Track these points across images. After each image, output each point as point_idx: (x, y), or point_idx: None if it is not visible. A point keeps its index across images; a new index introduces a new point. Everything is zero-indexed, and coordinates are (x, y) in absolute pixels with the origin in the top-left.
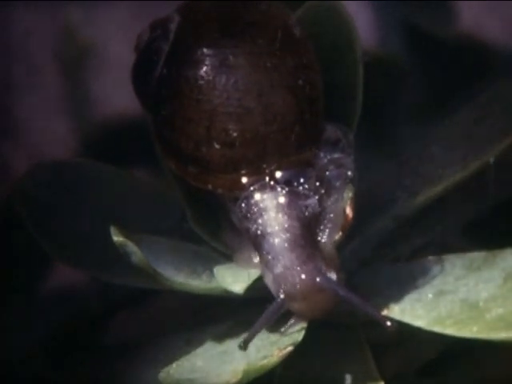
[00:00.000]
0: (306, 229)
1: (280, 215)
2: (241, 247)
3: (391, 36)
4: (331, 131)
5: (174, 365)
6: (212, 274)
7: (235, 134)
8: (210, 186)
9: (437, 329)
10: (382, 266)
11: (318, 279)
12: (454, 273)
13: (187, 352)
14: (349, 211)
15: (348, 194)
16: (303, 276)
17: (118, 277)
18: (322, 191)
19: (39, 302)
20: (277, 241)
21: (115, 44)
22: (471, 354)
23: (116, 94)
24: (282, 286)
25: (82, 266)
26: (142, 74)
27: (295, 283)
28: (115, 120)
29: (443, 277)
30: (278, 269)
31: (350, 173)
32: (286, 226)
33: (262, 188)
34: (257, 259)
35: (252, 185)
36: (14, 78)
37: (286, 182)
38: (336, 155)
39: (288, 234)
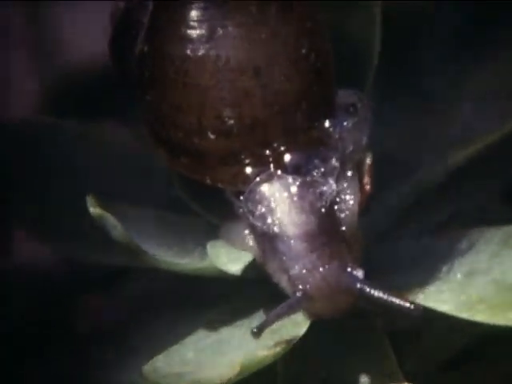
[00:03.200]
0: (325, 220)
1: (293, 210)
2: (240, 233)
3: None
4: (344, 96)
5: (161, 356)
6: (205, 252)
7: (231, 122)
8: (208, 180)
9: (466, 315)
10: (403, 241)
11: (343, 279)
12: (488, 249)
13: (175, 342)
14: (367, 181)
15: (366, 163)
16: (327, 277)
17: (93, 254)
18: (338, 171)
19: None
20: (293, 242)
21: None
22: (504, 344)
23: (87, 41)
24: (300, 287)
25: (49, 240)
26: (119, 50)
27: (317, 285)
28: (86, 69)
29: (475, 254)
30: (296, 270)
31: (365, 138)
32: (301, 222)
33: (269, 179)
34: (255, 245)
35: (257, 176)
36: None
37: (296, 169)
38: (351, 124)
39: (305, 233)
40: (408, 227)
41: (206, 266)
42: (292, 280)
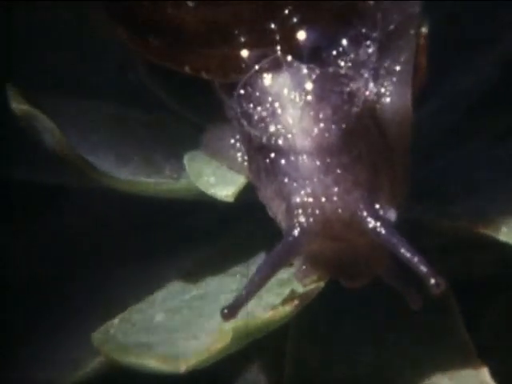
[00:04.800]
0: (354, 133)
1: (307, 115)
2: (228, 145)
3: None
4: None
5: (117, 320)
6: (180, 167)
7: None
8: (187, 68)
9: None
10: (478, 146)
11: (364, 218)
12: None
13: (138, 298)
14: (421, 63)
15: (419, 38)
16: (340, 210)
17: (16, 168)
18: (377, 59)
19: None
20: (301, 160)
21: None
22: None
23: None
24: (301, 220)
25: None
26: None
27: (324, 219)
28: None
29: None
30: (300, 196)
31: (417, 4)
32: (317, 133)
33: (274, 67)
34: (248, 162)
35: (257, 62)
36: None
37: (314, 54)
38: None
39: (321, 147)
40: (481, 127)
41: (182, 187)
42: (291, 210)
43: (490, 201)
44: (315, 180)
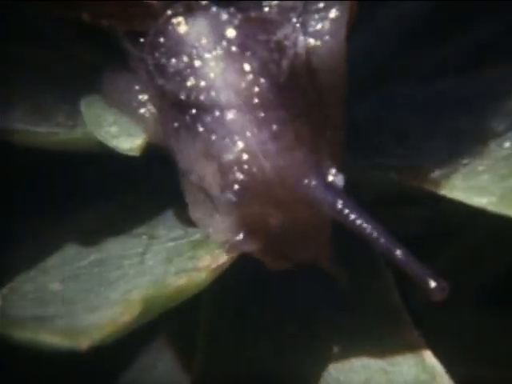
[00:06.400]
0: (289, 89)
1: (230, 68)
2: (134, 100)
3: None
4: None
5: (5, 290)
6: (76, 113)
7: None
8: (85, 16)
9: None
10: (405, 88)
11: (309, 182)
12: None
13: (31, 263)
14: None
15: None
16: (282, 170)
17: None
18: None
19: None
20: (230, 116)
21: None
22: None
23: None
24: (238, 177)
25: None
26: None
27: (265, 179)
28: None
29: None
30: (232, 153)
31: None
32: (245, 87)
33: (189, 13)
34: (159, 121)
35: (168, 8)
36: None
37: None
38: None
39: (251, 103)
40: (409, 67)
41: (78, 137)
42: (225, 168)
43: (425, 151)
44: (248, 135)
